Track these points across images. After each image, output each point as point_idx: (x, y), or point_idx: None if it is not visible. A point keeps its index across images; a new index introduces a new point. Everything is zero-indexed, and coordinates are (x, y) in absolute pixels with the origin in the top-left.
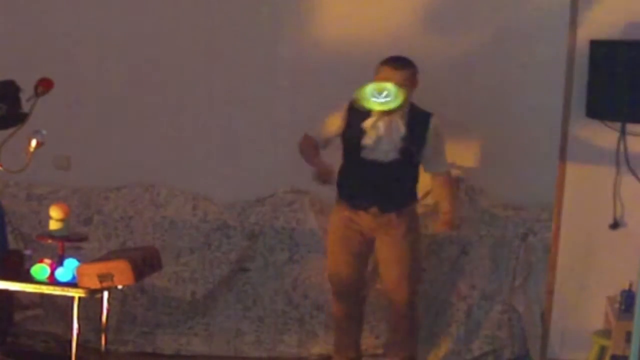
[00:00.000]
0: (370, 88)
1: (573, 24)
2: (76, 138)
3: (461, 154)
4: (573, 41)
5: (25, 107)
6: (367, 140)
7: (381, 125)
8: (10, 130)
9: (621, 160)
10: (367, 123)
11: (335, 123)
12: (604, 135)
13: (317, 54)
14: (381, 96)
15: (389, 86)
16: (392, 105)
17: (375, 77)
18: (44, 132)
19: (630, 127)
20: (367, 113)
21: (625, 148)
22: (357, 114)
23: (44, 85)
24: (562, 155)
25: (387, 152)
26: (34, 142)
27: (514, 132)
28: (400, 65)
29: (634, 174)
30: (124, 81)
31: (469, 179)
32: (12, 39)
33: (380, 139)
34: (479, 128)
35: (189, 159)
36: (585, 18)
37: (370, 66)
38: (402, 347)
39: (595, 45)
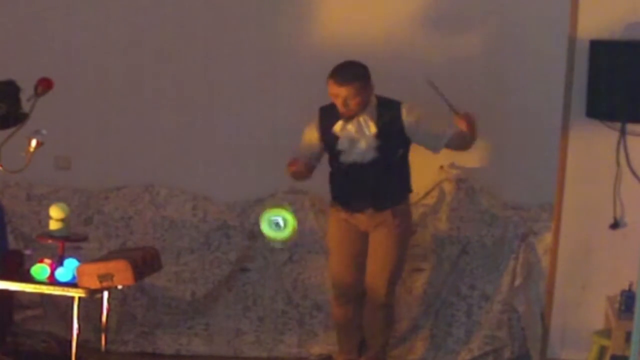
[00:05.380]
0: (267, 216)
1: (573, 24)
2: (76, 138)
3: (461, 154)
4: (573, 41)
5: (25, 107)
6: (341, 145)
7: (350, 127)
8: (10, 130)
9: (621, 160)
10: (337, 127)
11: (312, 134)
12: (604, 135)
13: (317, 54)
14: (274, 225)
15: (284, 214)
16: (282, 236)
17: (329, 91)
18: (44, 132)
19: (630, 127)
20: (336, 117)
21: (625, 148)
22: (327, 119)
23: (44, 85)
24: (562, 155)
25: (364, 152)
26: (34, 142)
27: (514, 132)
28: (344, 81)
29: (634, 174)
30: (124, 81)
31: (469, 179)
32: (12, 39)
33: (353, 141)
34: (479, 128)
35: (189, 159)
36: (585, 18)
37: (371, 66)
38: (370, 345)
39: (595, 45)
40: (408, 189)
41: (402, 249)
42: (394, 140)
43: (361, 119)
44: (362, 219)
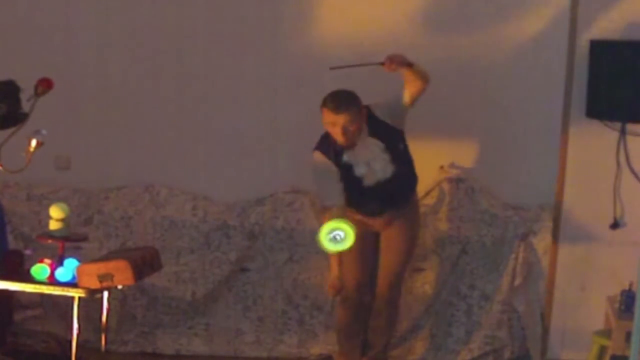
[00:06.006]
0: (325, 230)
1: (573, 24)
2: (76, 138)
3: (461, 154)
4: (573, 41)
5: (25, 107)
6: (360, 171)
7: (361, 151)
8: (10, 130)
9: (621, 160)
10: (349, 156)
11: (325, 156)
12: (604, 135)
13: (318, 54)
14: (334, 238)
15: (343, 226)
16: (343, 248)
17: (322, 120)
18: (44, 132)
19: (630, 127)
20: (337, 147)
21: (625, 148)
22: (331, 152)
23: (44, 85)
24: (562, 155)
25: (384, 170)
26: (34, 142)
27: (514, 132)
28: (341, 108)
29: (634, 174)
30: (124, 81)
31: (469, 179)
32: (12, 39)
33: (369, 163)
34: (479, 128)
35: (189, 159)
36: (585, 18)
37: (371, 66)
38: (373, 343)
39: (595, 45)
40: (415, 185)
41: (413, 242)
42: (393, 141)
43: (366, 141)
44: (378, 221)
